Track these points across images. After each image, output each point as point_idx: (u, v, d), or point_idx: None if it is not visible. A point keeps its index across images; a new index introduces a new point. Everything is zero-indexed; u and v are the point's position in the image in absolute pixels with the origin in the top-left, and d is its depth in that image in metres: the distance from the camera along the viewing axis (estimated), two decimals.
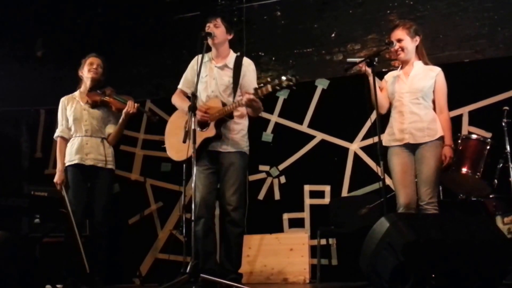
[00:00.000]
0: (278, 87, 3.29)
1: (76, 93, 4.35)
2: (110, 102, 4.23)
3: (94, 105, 4.24)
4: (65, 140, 4.26)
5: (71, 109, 4.26)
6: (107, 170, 4.20)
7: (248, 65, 3.76)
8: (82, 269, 4.03)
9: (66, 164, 4.19)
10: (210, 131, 3.55)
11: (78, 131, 4.21)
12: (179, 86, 3.87)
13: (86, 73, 4.30)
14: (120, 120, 4.22)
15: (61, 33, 6.31)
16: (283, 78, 3.28)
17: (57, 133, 4.29)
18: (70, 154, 4.18)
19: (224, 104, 3.56)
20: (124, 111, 4.16)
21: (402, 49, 3.68)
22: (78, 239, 4.02)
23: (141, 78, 6.17)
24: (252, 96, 3.38)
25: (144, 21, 6.24)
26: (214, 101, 3.63)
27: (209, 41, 3.66)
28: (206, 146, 3.59)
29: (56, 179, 4.18)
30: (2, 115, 6.08)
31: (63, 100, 4.35)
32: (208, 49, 3.73)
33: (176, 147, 3.70)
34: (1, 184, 5.55)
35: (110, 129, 4.28)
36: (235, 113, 3.64)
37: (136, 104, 4.19)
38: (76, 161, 4.14)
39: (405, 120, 3.61)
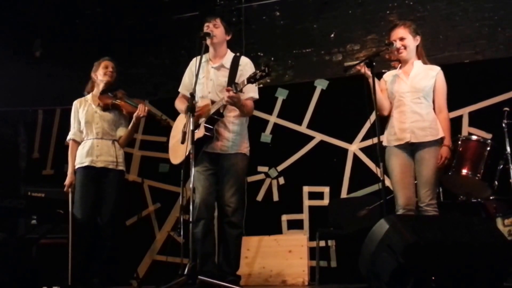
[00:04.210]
0: (252, 79, 3.29)
1: (89, 96, 4.36)
2: (121, 105, 4.25)
3: (105, 108, 4.25)
4: (77, 143, 4.26)
5: (83, 112, 4.26)
6: (117, 171, 4.20)
7: (245, 64, 3.72)
8: (79, 272, 4.01)
9: (76, 166, 4.19)
10: (200, 132, 3.52)
11: (89, 134, 4.22)
12: (179, 90, 3.88)
13: (101, 76, 4.30)
14: (131, 124, 4.24)
15: (59, 33, 6.30)
16: (257, 70, 3.30)
17: (70, 136, 4.30)
18: (80, 156, 4.18)
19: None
20: (134, 114, 4.17)
21: (405, 47, 3.66)
22: (70, 244, 4.01)
23: (139, 78, 6.16)
24: (231, 93, 3.36)
25: (142, 21, 6.23)
26: (204, 102, 3.61)
27: (208, 41, 3.65)
28: (201, 147, 3.56)
29: (67, 181, 4.18)
30: None
31: (75, 103, 4.35)
32: (206, 50, 3.71)
33: (174, 151, 3.69)
34: None
35: (121, 132, 4.29)
36: (233, 113, 3.62)
37: (146, 108, 4.20)
38: (86, 163, 4.14)
39: (406, 120, 3.59)
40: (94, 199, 4.13)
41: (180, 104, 3.82)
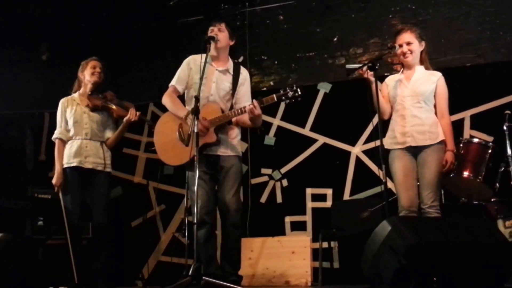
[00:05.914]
0: (283, 97, 3.33)
1: (76, 95, 4.34)
2: (112, 108, 4.24)
3: (94, 108, 4.23)
4: (64, 142, 4.23)
5: (71, 112, 4.24)
6: (105, 173, 4.21)
7: (246, 74, 3.85)
8: (81, 273, 4.06)
9: (64, 166, 4.16)
10: (210, 137, 3.57)
11: (78, 134, 4.20)
12: (172, 83, 3.81)
13: (89, 77, 4.29)
14: (121, 127, 4.24)
15: (65, 37, 6.33)
16: (288, 89, 3.33)
17: (56, 134, 4.26)
18: (68, 156, 4.16)
19: (222, 110, 3.60)
20: (125, 118, 4.17)
21: (411, 51, 3.70)
22: (69, 244, 4.02)
23: (144, 81, 6.20)
24: (257, 106, 3.42)
25: (147, 25, 6.26)
26: (212, 106, 3.65)
27: (212, 45, 3.68)
28: (203, 151, 3.60)
29: (54, 181, 4.15)
30: (6, 118, 6.12)
31: (62, 102, 4.32)
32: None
33: (171, 151, 3.71)
34: (5, 186, 5.57)
35: (109, 133, 4.29)
36: (233, 119, 3.68)
37: (137, 112, 4.19)
38: (74, 164, 4.13)
39: (406, 124, 3.63)
40: (83, 199, 4.14)
41: (170, 102, 3.75)
